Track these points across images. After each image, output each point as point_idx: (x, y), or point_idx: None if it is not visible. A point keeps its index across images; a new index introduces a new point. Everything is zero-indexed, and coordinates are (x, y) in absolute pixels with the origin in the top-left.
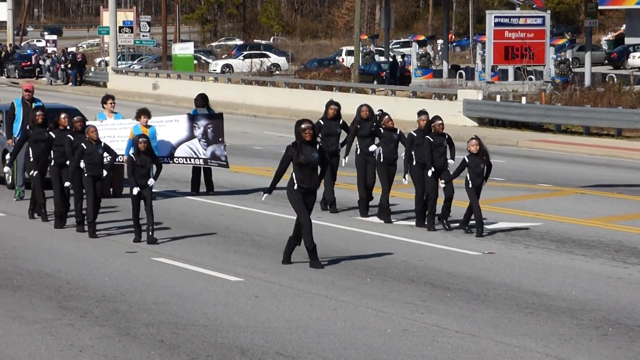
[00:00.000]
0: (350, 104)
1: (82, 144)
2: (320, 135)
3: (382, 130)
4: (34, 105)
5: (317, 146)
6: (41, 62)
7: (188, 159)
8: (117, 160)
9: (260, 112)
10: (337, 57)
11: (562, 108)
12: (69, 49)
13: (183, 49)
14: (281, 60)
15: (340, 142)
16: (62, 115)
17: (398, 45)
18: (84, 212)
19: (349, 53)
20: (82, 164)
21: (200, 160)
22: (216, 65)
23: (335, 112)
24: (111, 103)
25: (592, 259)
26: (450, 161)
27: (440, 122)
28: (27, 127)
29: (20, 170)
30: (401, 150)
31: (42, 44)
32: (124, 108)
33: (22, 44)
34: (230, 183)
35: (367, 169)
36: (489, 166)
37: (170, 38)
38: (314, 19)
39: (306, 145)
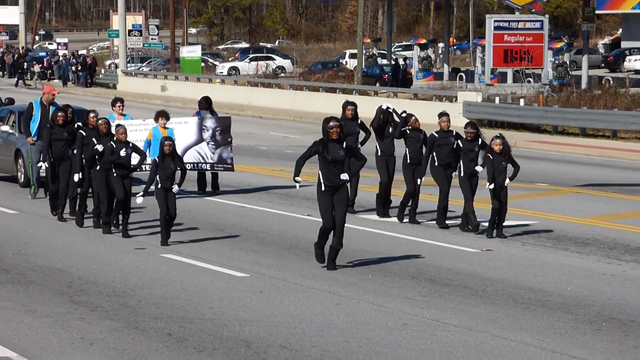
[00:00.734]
0: None
1: (111, 143)
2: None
3: (408, 132)
4: (51, 107)
5: (344, 144)
6: (29, 67)
7: (196, 165)
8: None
9: (266, 114)
10: (340, 60)
11: (559, 110)
12: (80, 52)
13: (191, 52)
14: (286, 63)
15: (360, 140)
16: (91, 115)
17: (400, 49)
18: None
19: (352, 56)
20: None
21: (207, 165)
22: (223, 68)
23: (352, 112)
24: (119, 106)
25: (587, 256)
26: (478, 168)
27: (469, 130)
28: (49, 127)
29: (35, 169)
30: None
31: (54, 46)
32: (133, 109)
33: (34, 47)
34: (236, 182)
35: (388, 169)
36: (516, 165)
37: (178, 41)
38: (318, 23)
39: (333, 143)
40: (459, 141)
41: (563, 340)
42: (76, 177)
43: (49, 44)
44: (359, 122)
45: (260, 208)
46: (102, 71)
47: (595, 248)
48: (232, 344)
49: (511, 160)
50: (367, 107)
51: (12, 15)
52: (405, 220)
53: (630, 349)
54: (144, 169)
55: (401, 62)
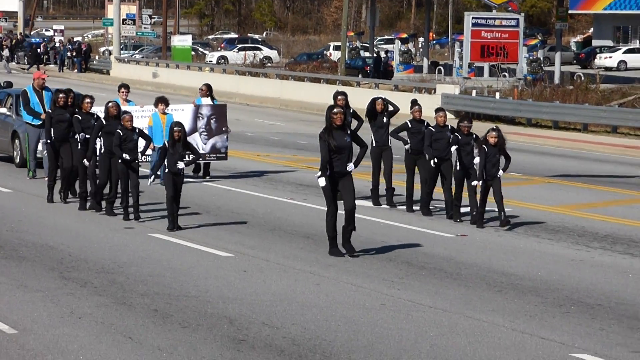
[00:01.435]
0: None
1: (118, 130)
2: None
3: (409, 124)
4: (44, 92)
5: (348, 130)
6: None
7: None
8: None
9: (253, 101)
10: (325, 52)
11: (533, 103)
12: (75, 39)
13: (182, 41)
14: (273, 54)
15: (352, 129)
16: (87, 100)
17: (382, 42)
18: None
19: (336, 48)
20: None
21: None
22: (212, 57)
23: (343, 101)
24: (124, 92)
25: (557, 242)
26: (476, 160)
27: (465, 124)
28: (50, 110)
29: (32, 150)
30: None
31: (50, 33)
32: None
33: (31, 33)
34: (222, 166)
35: (384, 159)
36: (508, 158)
37: (169, 30)
38: (304, 16)
39: (337, 130)
40: (456, 134)
41: (533, 322)
42: (86, 163)
43: (45, 30)
44: (351, 110)
45: (246, 191)
46: (96, 57)
47: (565, 235)
48: (215, 320)
49: (504, 153)
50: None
51: (11, 2)
52: (416, 210)
53: (596, 331)
54: (146, 159)
55: (383, 55)
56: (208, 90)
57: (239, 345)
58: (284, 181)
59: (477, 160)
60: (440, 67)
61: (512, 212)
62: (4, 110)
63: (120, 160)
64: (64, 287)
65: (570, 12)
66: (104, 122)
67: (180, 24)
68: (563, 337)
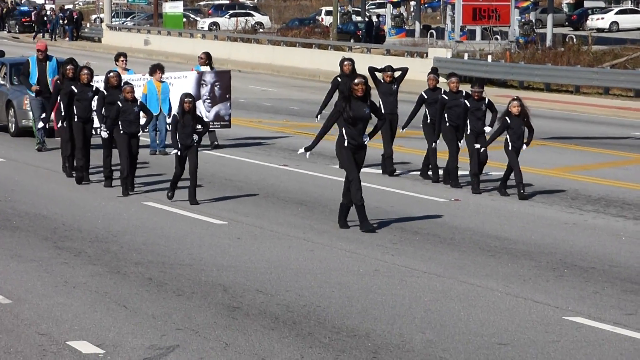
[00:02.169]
0: (329, 61)
1: (118, 102)
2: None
3: (424, 95)
4: (47, 62)
5: (368, 101)
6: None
7: None
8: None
9: (245, 68)
10: (316, 17)
11: (525, 66)
12: (66, 7)
13: (173, 8)
14: (264, 19)
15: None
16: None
17: (374, 6)
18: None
19: (328, 13)
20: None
21: None
22: (204, 23)
23: (350, 67)
24: (123, 60)
25: (550, 206)
26: (487, 128)
27: (476, 89)
28: (58, 81)
29: (37, 122)
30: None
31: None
32: None
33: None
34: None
35: (391, 127)
36: (531, 128)
37: None
38: None
39: (356, 100)
40: (467, 101)
41: (527, 286)
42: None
43: None
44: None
45: (239, 158)
46: (88, 25)
47: (558, 198)
48: (210, 288)
49: (528, 124)
50: None
51: None
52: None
53: (590, 294)
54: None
55: (374, 19)
56: (207, 59)
57: (234, 312)
58: (277, 147)
59: (488, 128)
60: (432, 31)
61: (498, 176)
62: None
63: (122, 131)
64: (58, 257)
65: None
66: (105, 93)
67: None
68: (557, 301)
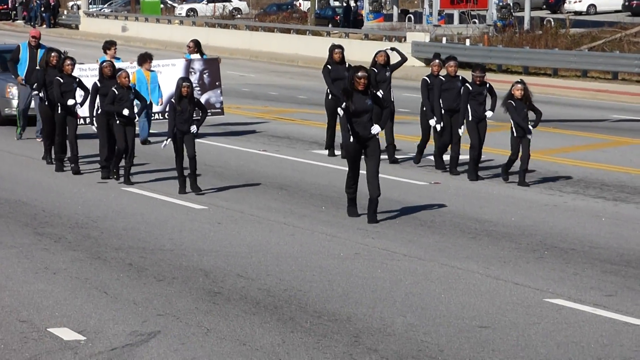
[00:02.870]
0: (307, 46)
1: (114, 89)
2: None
3: (428, 80)
4: (39, 50)
5: (369, 93)
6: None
7: None
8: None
9: (223, 54)
10: (294, 2)
11: (503, 49)
12: None
13: None
14: (242, 5)
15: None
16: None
17: None
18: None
19: None
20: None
21: None
22: (181, 9)
23: (340, 55)
24: (114, 49)
25: (530, 188)
26: (488, 113)
27: (477, 74)
28: (43, 70)
29: (21, 109)
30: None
31: None
32: (95, 50)
33: None
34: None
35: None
36: (538, 112)
37: None
38: None
39: (358, 93)
40: (467, 85)
41: (507, 268)
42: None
43: None
44: (347, 65)
45: (218, 144)
46: (65, 12)
47: (538, 180)
48: (190, 273)
49: (532, 107)
50: (320, 48)
51: None
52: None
53: (570, 275)
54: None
55: (352, 4)
56: (196, 47)
57: (215, 297)
58: (257, 133)
59: (489, 113)
60: (410, 15)
61: (485, 158)
62: None
63: (117, 120)
64: (38, 243)
65: None
66: (99, 84)
67: None
68: (537, 283)
